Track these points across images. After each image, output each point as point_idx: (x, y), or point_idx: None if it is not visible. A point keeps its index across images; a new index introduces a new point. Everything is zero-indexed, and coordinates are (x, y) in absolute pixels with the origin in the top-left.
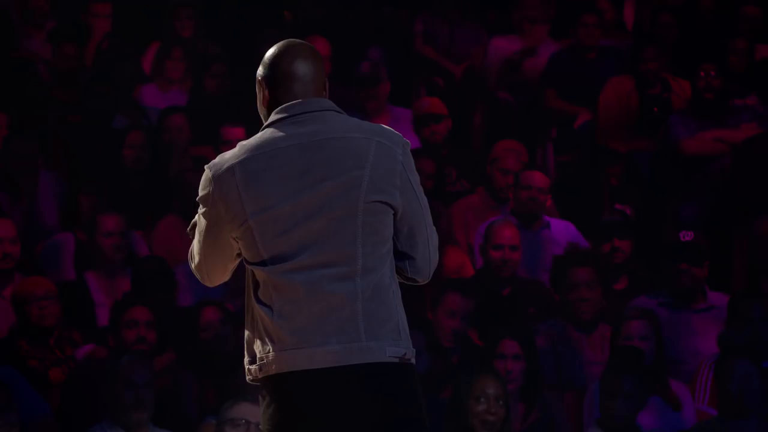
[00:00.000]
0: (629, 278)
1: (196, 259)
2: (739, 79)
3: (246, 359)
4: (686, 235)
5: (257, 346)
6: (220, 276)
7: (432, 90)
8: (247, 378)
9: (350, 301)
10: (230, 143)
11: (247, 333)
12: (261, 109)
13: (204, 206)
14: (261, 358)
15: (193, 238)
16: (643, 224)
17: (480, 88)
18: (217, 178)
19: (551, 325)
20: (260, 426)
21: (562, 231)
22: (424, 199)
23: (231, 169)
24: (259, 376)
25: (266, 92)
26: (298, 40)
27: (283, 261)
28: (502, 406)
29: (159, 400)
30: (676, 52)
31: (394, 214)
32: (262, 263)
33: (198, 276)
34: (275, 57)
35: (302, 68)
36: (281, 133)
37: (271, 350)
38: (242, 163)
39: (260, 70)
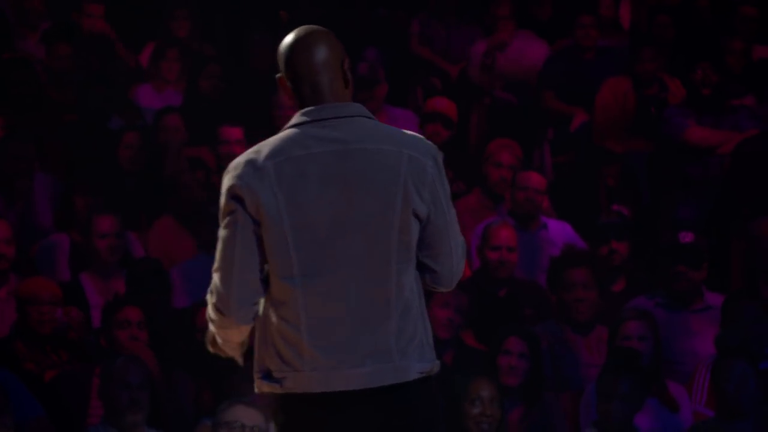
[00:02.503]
0: (627, 279)
1: (221, 284)
2: (737, 80)
3: (257, 374)
4: (686, 237)
5: (272, 362)
6: (250, 295)
7: (429, 91)
8: (256, 390)
9: (383, 320)
10: (228, 143)
11: (257, 347)
12: (288, 100)
13: (231, 214)
14: (280, 377)
15: (212, 346)
16: (640, 225)
17: (476, 90)
18: (247, 183)
19: (548, 326)
20: None
21: (559, 232)
22: (452, 211)
23: (264, 171)
24: (278, 392)
25: (289, 88)
26: (307, 27)
27: (317, 277)
28: (497, 408)
29: (154, 402)
30: (673, 53)
31: (421, 227)
32: (292, 277)
33: (223, 308)
34: (289, 51)
35: (319, 56)
36: (312, 137)
37: (298, 369)
38: (277, 166)
39: (280, 66)
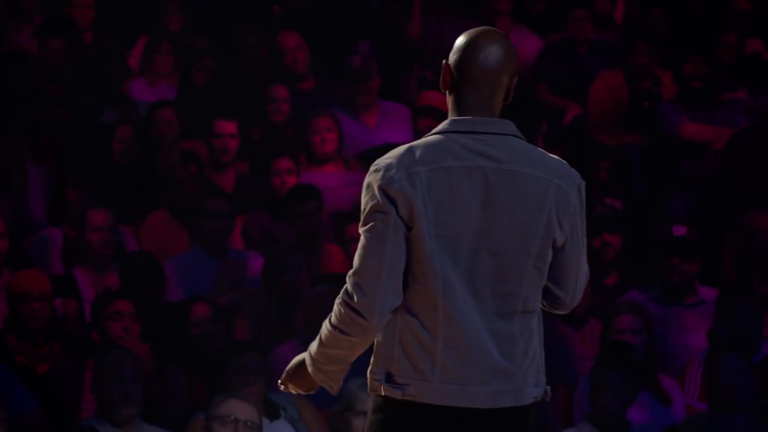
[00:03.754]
0: (619, 273)
1: (367, 288)
2: (729, 73)
3: (375, 374)
4: (679, 230)
5: (398, 366)
6: (394, 300)
7: (422, 84)
8: (369, 389)
9: (512, 342)
10: (222, 137)
11: (382, 347)
12: (443, 91)
13: (381, 214)
14: (404, 383)
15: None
16: (633, 219)
17: None
18: (402, 186)
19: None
20: None
21: None
22: (584, 240)
23: (417, 175)
24: (397, 398)
25: (450, 77)
26: (496, 31)
27: (455, 291)
28: None
29: (147, 396)
30: (666, 46)
31: (553, 253)
32: (435, 287)
33: (367, 313)
34: (470, 44)
35: (496, 63)
36: (465, 148)
37: (426, 378)
38: (429, 173)
39: (452, 53)
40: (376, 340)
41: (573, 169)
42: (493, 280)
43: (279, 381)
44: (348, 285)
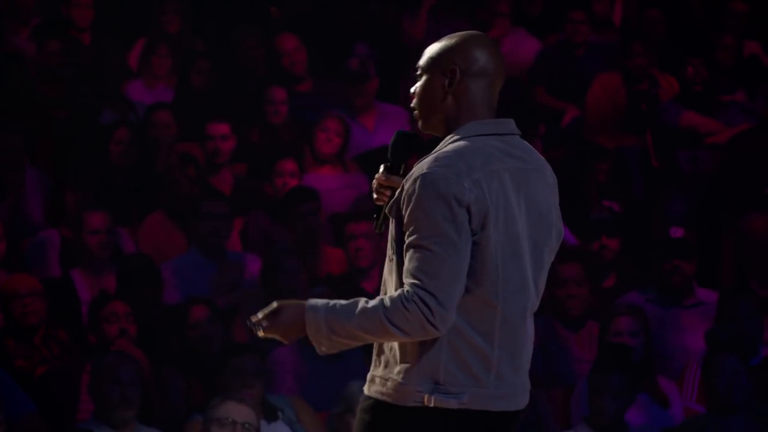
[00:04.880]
0: (617, 275)
1: (443, 299)
2: (727, 75)
3: (416, 385)
4: (676, 232)
5: (449, 374)
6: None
7: None
8: (396, 400)
9: (531, 342)
10: (213, 138)
11: (424, 356)
12: (441, 97)
13: (455, 222)
14: (458, 391)
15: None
16: (631, 221)
17: None
18: (476, 195)
19: (539, 322)
20: None
21: None
22: None
23: (479, 181)
24: (452, 407)
25: (460, 83)
26: (486, 35)
27: (509, 294)
28: None
29: (145, 398)
30: (663, 48)
31: None
32: (496, 291)
33: (440, 324)
34: (484, 47)
35: (498, 66)
36: (500, 150)
37: (482, 384)
38: (486, 178)
39: (450, 57)
40: (416, 349)
41: None
42: (537, 281)
43: (253, 320)
44: (419, 293)
